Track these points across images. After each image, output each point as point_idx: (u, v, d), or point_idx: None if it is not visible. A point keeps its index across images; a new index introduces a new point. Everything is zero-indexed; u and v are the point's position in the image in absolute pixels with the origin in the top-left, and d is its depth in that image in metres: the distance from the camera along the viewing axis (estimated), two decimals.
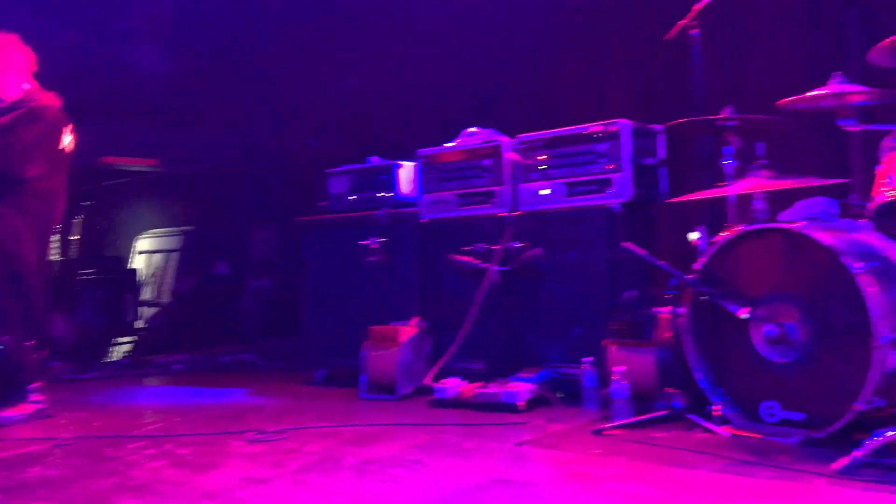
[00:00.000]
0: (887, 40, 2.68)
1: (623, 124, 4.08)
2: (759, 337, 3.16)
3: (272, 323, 6.44)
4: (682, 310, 3.40)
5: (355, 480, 2.85)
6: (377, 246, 4.68)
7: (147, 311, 6.85)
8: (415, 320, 4.50)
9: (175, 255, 6.94)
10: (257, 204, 6.75)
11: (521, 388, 3.88)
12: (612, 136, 4.08)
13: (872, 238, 3.07)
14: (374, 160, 4.99)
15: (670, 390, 3.42)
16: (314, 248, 5.05)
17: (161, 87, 6.43)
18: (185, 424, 3.84)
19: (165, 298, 6.87)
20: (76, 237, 6.41)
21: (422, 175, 4.72)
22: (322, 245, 5.01)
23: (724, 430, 3.18)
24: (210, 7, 6.07)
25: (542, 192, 4.28)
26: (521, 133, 4.41)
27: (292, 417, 3.91)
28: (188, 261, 6.86)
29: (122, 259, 7.07)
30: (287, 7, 6.30)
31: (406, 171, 4.84)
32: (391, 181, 4.82)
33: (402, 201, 4.79)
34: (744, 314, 3.14)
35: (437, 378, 4.25)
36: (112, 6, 5.80)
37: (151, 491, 2.78)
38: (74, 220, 6.40)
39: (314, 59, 6.42)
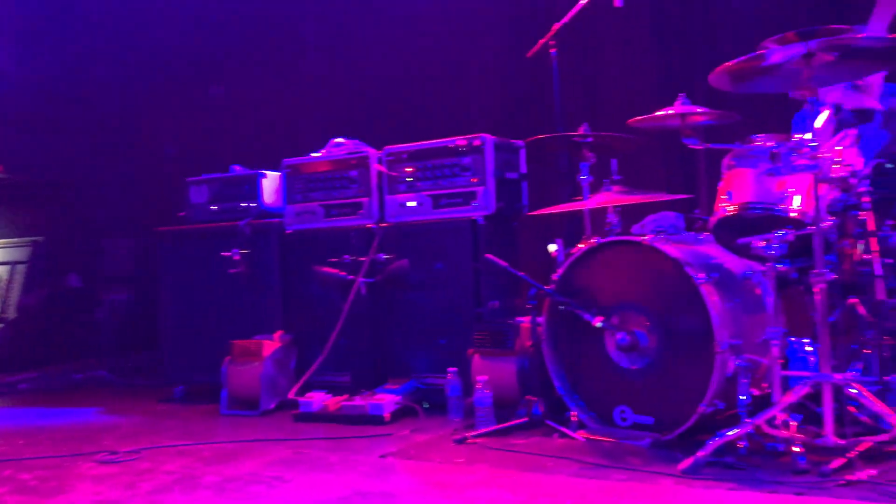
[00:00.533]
0: (724, 65, 2.86)
1: (486, 139, 4.17)
2: (612, 344, 3.30)
3: (128, 338, 6.15)
4: (541, 319, 3.50)
5: (214, 499, 2.77)
6: (239, 257, 4.57)
7: None
8: (279, 334, 4.43)
9: (22, 268, 6.50)
10: (113, 213, 6.43)
11: (386, 400, 3.88)
12: (476, 150, 4.17)
13: (714, 250, 3.28)
14: (237, 169, 4.87)
15: (531, 398, 3.51)
16: (173, 260, 4.88)
17: (7, 88, 6.04)
18: (30, 447, 3.62)
19: (11, 313, 6.43)
20: None
21: (287, 185, 4.64)
22: (182, 256, 4.85)
23: (581, 435, 3.29)
24: (63, 9, 5.78)
25: (409, 204, 4.31)
26: (388, 145, 4.43)
27: (149, 436, 3.76)
28: (37, 273, 6.44)
29: None
30: (144, 10, 6.09)
31: (270, 181, 4.76)
32: (255, 191, 4.72)
33: (266, 212, 4.70)
34: (598, 323, 3.27)
35: (301, 392, 4.19)
36: None
37: None
38: None
39: (174, 63, 6.21)
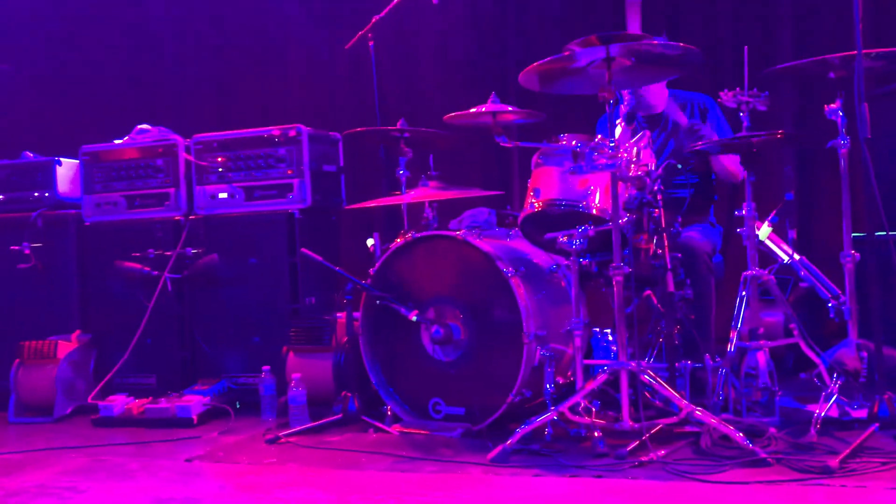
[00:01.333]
0: (532, 66, 2.95)
1: (303, 129, 4.08)
2: (427, 338, 3.32)
3: None
4: (357, 314, 3.47)
5: None
6: (31, 252, 4.24)
7: None
8: (76, 333, 4.14)
9: None
10: None
11: (195, 402, 3.71)
12: (292, 141, 4.08)
13: (523, 245, 3.38)
14: (29, 156, 4.51)
15: (347, 393, 3.48)
16: None
17: None
18: None
19: None
20: None
21: (85, 174, 4.33)
22: None
23: (396, 429, 3.30)
24: None
25: (221, 196, 4.15)
26: (198, 133, 4.23)
27: None
28: None
29: None
30: None
31: (66, 169, 4.43)
32: (49, 179, 4.38)
33: (61, 202, 4.39)
34: (413, 317, 3.28)
35: (102, 395, 3.94)
36: None
37: None
38: None
39: None
